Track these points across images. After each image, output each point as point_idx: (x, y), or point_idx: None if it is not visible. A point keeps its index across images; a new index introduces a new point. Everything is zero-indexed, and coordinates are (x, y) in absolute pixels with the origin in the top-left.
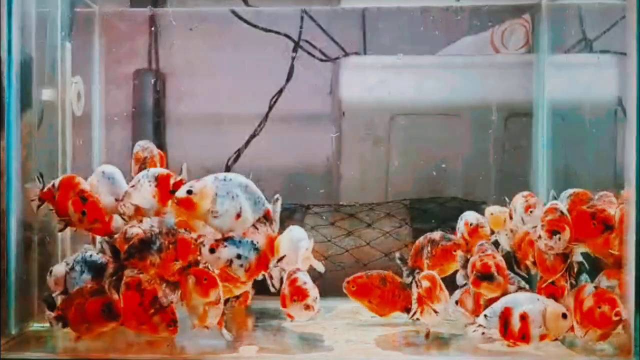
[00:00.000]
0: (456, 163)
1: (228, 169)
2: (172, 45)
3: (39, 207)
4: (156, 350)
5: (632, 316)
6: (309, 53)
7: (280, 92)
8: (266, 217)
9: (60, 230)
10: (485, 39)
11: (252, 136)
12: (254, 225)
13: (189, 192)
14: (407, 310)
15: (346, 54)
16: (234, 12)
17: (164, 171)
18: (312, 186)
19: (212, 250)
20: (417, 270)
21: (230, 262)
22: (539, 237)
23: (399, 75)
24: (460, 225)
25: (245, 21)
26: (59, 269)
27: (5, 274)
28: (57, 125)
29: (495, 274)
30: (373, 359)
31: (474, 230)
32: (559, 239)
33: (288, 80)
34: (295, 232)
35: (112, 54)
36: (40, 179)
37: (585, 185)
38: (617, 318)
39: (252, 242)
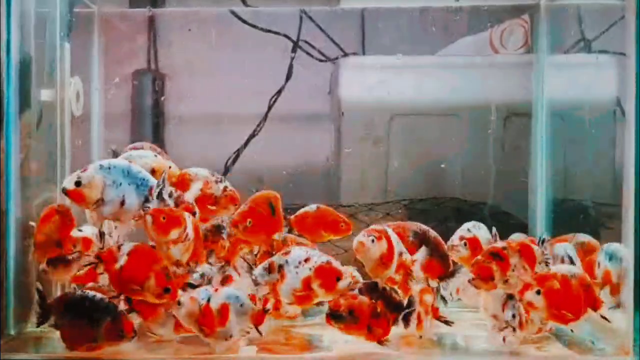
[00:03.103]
0: (455, 163)
1: (227, 169)
2: (171, 45)
3: (92, 264)
4: (157, 350)
5: (632, 316)
6: (308, 53)
7: (279, 92)
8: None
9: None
10: (485, 39)
11: (251, 136)
12: (142, 208)
13: (78, 183)
14: None
15: (345, 54)
16: (233, 12)
17: None
18: (311, 186)
19: None
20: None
21: None
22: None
23: (399, 75)
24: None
25: (244, 21)
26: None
27: (5, 274)
28: (56, 125)
29: (345, 314)
30: (372, 359)
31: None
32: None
33: (287, 80)
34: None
35: (111, 54)
36: (102, 238)
37: (584, 185)
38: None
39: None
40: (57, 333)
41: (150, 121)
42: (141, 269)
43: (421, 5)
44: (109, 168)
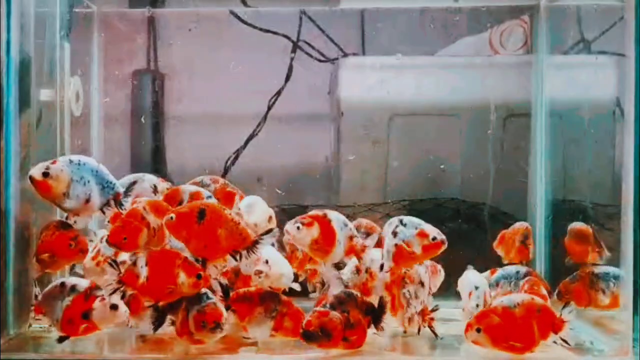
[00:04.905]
0: (455, 163)
1: (227, 169)
2: (171, 45)
3: (124, 294)
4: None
5: (631, 316)
6: (307, 54)
7: (279, 92)
8: (115, 201)
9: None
10: (484, 39)
11: (251, 136)
12: (101, 210)
13: (45, 174)
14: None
15: (345, 55)
16: (232, 12)
17: None
18: (311, 186)
19: None
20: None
21: None
22: None
23: (398, 75)
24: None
25: (244, 22)
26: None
27: (4, 274)
28: (56, 125)
29: (317, 333)
30: (371, 359)
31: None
32: None
33: (287, 80)
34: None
35: (110, 54)
36: (115, 265)
37: (583, 185)
38: None
39: None
40: (54, 333)
41: (149, 121)
42: (167, 269)
43: (421, 6)
44: (79, 164)
